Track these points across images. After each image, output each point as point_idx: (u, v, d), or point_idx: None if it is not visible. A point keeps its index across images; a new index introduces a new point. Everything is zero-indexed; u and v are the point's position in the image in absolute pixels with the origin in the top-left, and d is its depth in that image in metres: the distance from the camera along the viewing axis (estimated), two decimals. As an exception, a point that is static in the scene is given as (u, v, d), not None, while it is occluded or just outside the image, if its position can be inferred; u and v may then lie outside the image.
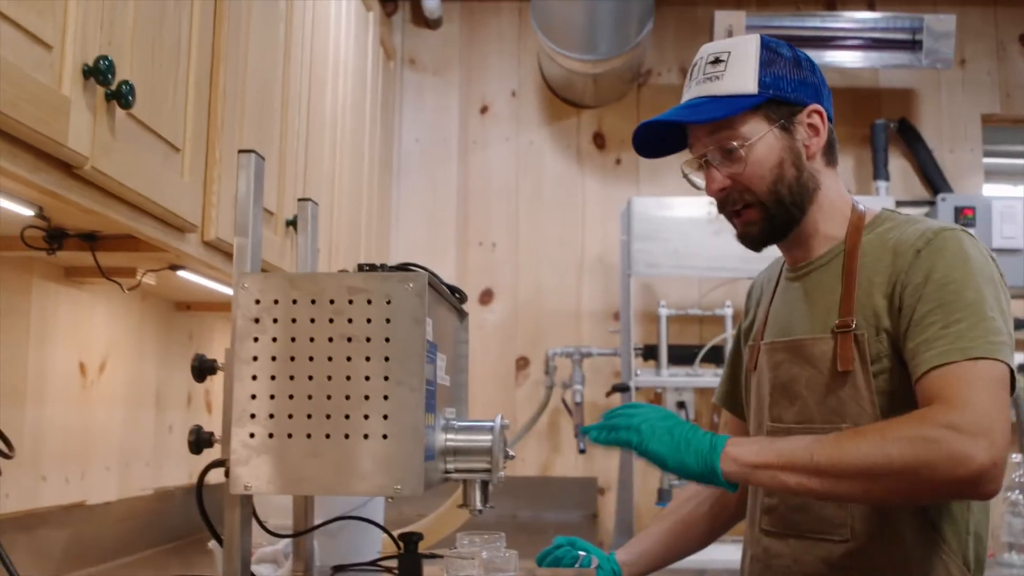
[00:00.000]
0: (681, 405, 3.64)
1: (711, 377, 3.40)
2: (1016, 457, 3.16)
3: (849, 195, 1.62)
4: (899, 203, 3.58)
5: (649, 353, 3.55)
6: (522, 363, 3.82)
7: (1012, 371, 1.35)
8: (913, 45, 3.52)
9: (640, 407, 1.47)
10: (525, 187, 3.92)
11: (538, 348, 3.80)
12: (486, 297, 3.86)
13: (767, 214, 1.54)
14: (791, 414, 1.54)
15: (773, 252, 1.68)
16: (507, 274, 3.87)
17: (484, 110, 3.95)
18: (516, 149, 3.93)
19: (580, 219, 3.89)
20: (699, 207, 3.21)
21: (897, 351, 1.44)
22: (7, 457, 1.47)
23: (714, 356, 3.48)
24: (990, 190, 3.93)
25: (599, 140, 3.93)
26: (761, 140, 1.51)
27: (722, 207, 1.59)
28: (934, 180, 3.74)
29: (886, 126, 3.76)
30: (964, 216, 3.43)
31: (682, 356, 3.49)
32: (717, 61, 1.54)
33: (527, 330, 3.83)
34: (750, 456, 1.35)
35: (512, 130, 3.94)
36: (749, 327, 1.75)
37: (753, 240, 1.58)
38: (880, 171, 3.70)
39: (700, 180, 1.59)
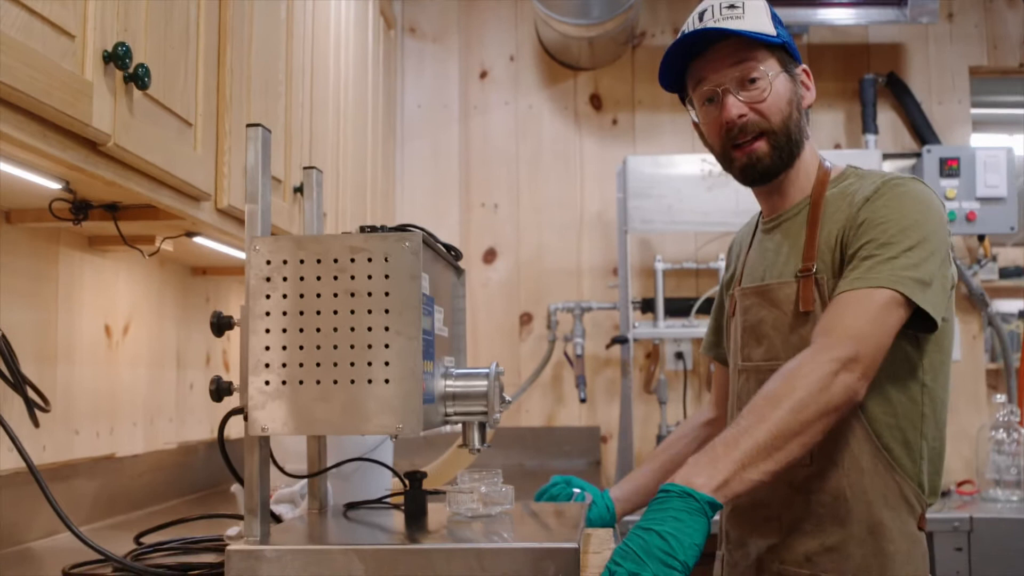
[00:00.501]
0: (679, 356, 3.77)
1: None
2: (1000, 397, 3.29)
3: (818, 153, 1.75)
4: (887, 155, 3.69)
5: (647, 306, 3.68)
6: (525, 319, 3.96)
7: (910, 301, 1.48)
8: (900, 1, 3.59)
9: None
10: (525, 149, 4.03)
11: (540, 304, 3.94)
12: (489, 256, 3.98)
13: (776, 145, 1.65)
14: (759, 353, 1.68)
15: (754, 207, 1.81)
16: (509, 233, 3.99)
17: (483, 75, 4.06)
18: (515, 112, 4.04)
19: (579, 179, 4.00)
20: (692, 164, 3.31)
21: None
22: (44, 411, 1.62)
23: (709, 307, 3.58)
24: (978, 140, 4.02)
25: (596, 101, 4.03)
26: (779, 77, 1.66)
27: (732, 137, 1.66)
28: (922, 132, 3.83)
29: (875, 80, 3.84)
30: (948, 167, 3.53)
31: (678, 308, 3.62)
32: (732, 6, 1.65)
33: (529, 287, 3.97)
34: (714, 480, 1.33)
35: (511, 94, 4.05)
36: (730, 279, 1.89)
37: (757, 171, 1.67)
38: (869, 125, 3.79)
39: (705, 113, 1.70)
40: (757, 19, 1.65)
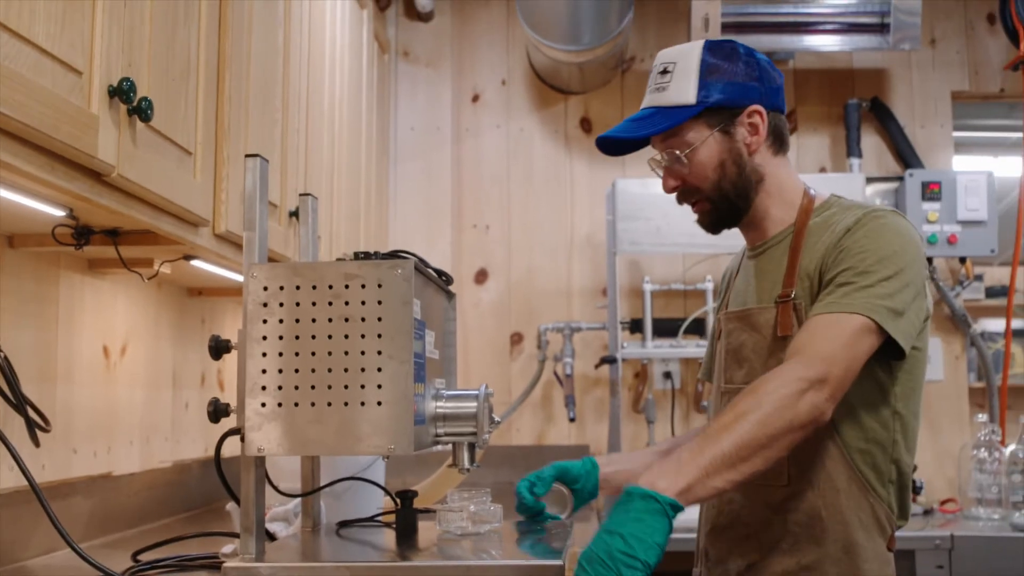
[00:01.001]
0: (667, 375, 3.83)
1: (694, 348, 3.58)
2: (982, 417, 3.35)
3: (800, 180, 1.79)
4: (871, 179, 3.76)
5: (635, 326, 3.74)
6: (516, 339, 4.01)
7: (882, 329, 1.53)
8: (882, 28, 3.67)
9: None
10: (516, 171, 4.09)
11: (531, 324, 3.99)
12: (481, 277, 4.04)
13: (714, 207, 1.74)
14: (740, 376, 1.73)
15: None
16: (500, 255, 4.05)
17: (476, 99, 4.12)
18: (507, 135, 4.10)
19: (569, 201, 4.07)
20: (680, 187, 3.37)
21: None
22: (44, 431, 1.67)
23: (696, 328, 3.66)
24: (961, 162, 4.09)
25: (586, 125, 4.10)
26: (703, 145, 1.69)
27: (679, 200, 1.79)
28: (906, 156, 3.90)
29: (859, 105, 3.91)
30: (930, 191, 3.60)
31: (666, 329, 3.68)
32: (664, 72, 1.71)
33: (520, 307, 4.02)
34: (677, 484, 1.37)
35: (503, 117, 4.11)
36: (720, 305, 1.95)
37: (706, 227, 1.79)
38: (853, 148, 3.86)
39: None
40: (682, 86, 1.68)
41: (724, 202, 1.73)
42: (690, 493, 1.38)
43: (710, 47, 1.69)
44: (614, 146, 1.79)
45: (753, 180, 1.73)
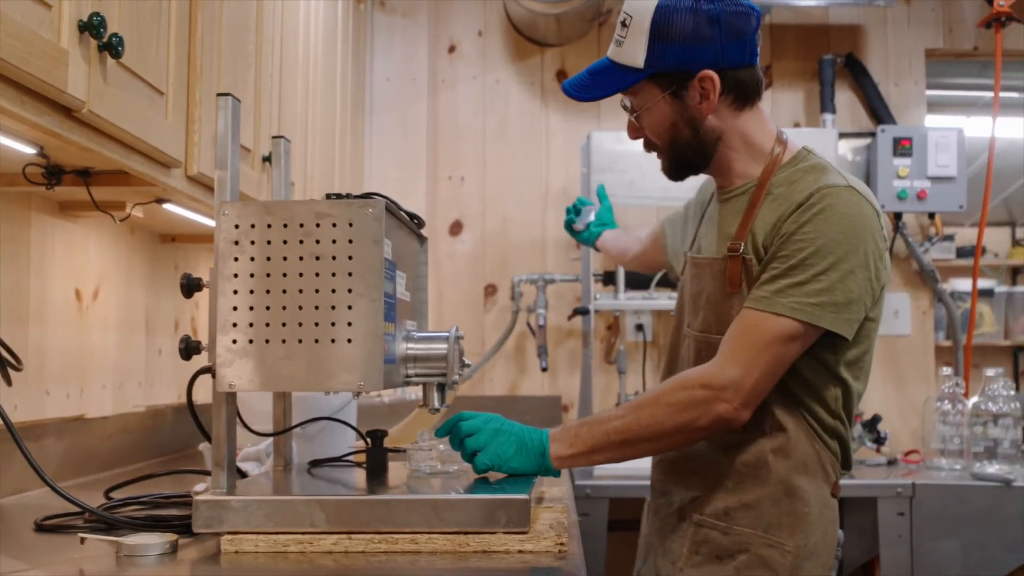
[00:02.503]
0: (639, 327, 3.87)
1: (666, 300, 3.62)
2: (946, 370, 3.41)
3: (771, 131, 1.76)
4: (844, 134, 3.79)
5: (608, 279, 3.77)
6: (490, 290, 4.03)
7: (813, 327, 1.58)
8: (859, -18, 3.68)
9: (474, 422, 1.68)
10: (492, 123, 4.09)
11: (505, 276, 4.02)
12: (456, 228, 4.05)
13: (671, 160, 1.77)
14: (697, 323, 1.77)
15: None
16: (475, 206, 4.06)
17: (452, 50, 4.11)
18: (483, 87, 4.10)
19: (544, 153, 4.07)
20: (654, 140, 3.38)
21: None
22: (16, 369, 1.67)
23: (668, 281, 3.69)
24: (934, 122, 4.13)
25: (562, 77, 4.09)
26: (654, 106, 1.70)
27: (645, 148, 1.81)
28: (879, 112, 3.93)
29: (833, 61, 3.93)
30: (901, 146, 3.64)
31: (639, 281, 3.71)
32: (624, 24, 1.69)
33: (494, 259, 4.04)
34: (565, 450, 1.64)
35: (479, 69, 4.10)
36: (689, 238, 1.94)
37: (667, 175, 1.82)
38: (827, 104, 3.88)
39: None
40: (633, 47, 1.65)
41: (680, 158, 1.76)
42: (571, 461, 1.66)
43: (663, 8, 1.64)
44: (582, 88, 1.79)
45: (710, 140, 1.73)
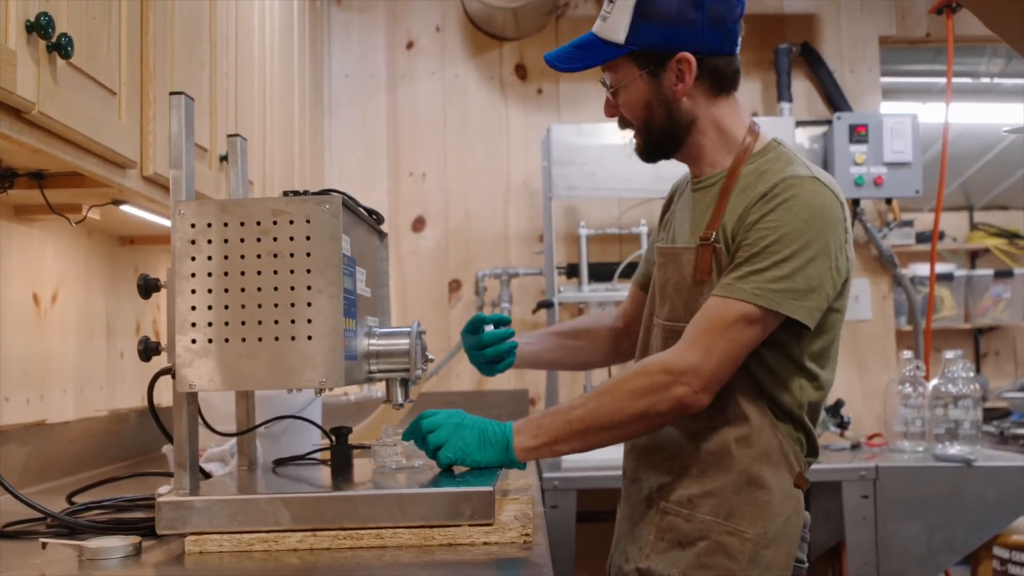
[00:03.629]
0: (604, 319, 3.88)
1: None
2: (906, 354, 3.45)
3: (744, 121, 1.77)
4: (801, 122, 3.83)
5: (571, 271, 3.78)
6: (455, 285, 4.03)
7: (772, 312, 1.59)
8: (812, -28, 3.71)
9: (436, 419, 1.66)
10: (452, 118, 4.09)
11: (469, 271, 4.02)
12: (418, 224, 4.04)
13: (646, 140, 1.78)
14: (664, 312, 1.78)
15: (679, 168, 1.88)
16: (437, 202, 4.05)
17: (410, 45, 4.10)
18: (442, 82, 4.09)
19: (505, 147, 4.08)
20: (614, 133, 3.39)
21: None
22: (-26, 376, 1.65)
23: (631, 272, 3.71)
24: (889, 108, 4.18)
25: (521, 71, 4.10)
26: (631, 84, 1.72)
27: (619, 126, 1.81)
28: (835, 100, 3.97)
29: (789, 50, 3.97)
30: (857, 133, 3.68)
31: (602, 273, 3.73)
32: (612, 1, 1.71)
33: (458, 254, 4.04)
34: (529, 441, 1.65)
35: (437, 64, 4.10)
36: (660, 226, 1.96)
37: (641, 157, 1.83)
38: (784, 93, 3.92)
39: None
40: (617, 22, 1.68)
41: (654, 139, 1.77)
42: (535, 453, 1.65)
43: None
44: (565, 60, 1.80)
45: (683, 123, 1.74)
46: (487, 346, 1.91)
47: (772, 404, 1.69)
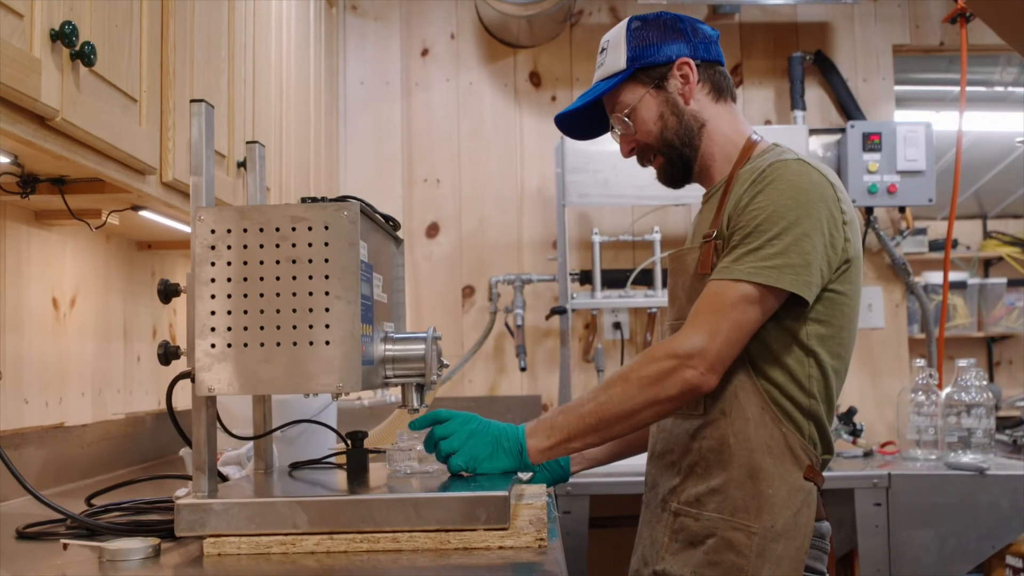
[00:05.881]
0: (617, 325, 3.90)
1: (643, 298, 3.65)
2: (919, 362, 3.45)
3: (745, 128, 1.86)
4: (814, 131, 3.84)
5: (585, 278, 3.79)
6: (468, 291, 4.05)
7: (771, 290, 1.62)
8: (826, -20, 3.72)
9: (449, 425, 1.69)
10: (466, 125, 4.10)
11: (482, 277, 4.03)
12: (432, 231, 4.06)
13: (667, 158, 1.85)
14: (672, 313, 1.86)
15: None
16: (451, 208, 4.07)
17: (425, 52, 4.12)
18: (456, 89, 4.11)
19: (519, 154, 4.09)
20: (627, 140, 3.41)
21: None
22: (-4, 379, 1.68)
23: (644, 279, 3.72)
24: (902, 117, 4.18)
25: (535, 79, 4.12)
26: (641, 102, 1.82)
27: (639, 162, 1.90)
28: (848, 108, 3.97)
29: (803, 58, 3.97)
30: (871, 141, 3.68)
31: (615, 279, 3.74)
32: (603, 51, 1.86)
33: (471, 260, 4.06)
34: (543, 442, 1.67)
35: (452, 71, 4.12)
36: None
37: (667, 181, 1.89)
38: (797, 101, 3.92)
39: None
40: (614, 57, 1.83)
41: (673, 151, 1.83)
42: (550, 452, 1.67)
43: (636, 21, 1.83)
44: (578, 129, 1.96)
45: (694, 126, 1.82)
46: None
47: (774, 395, 1.69)
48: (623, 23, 1.85)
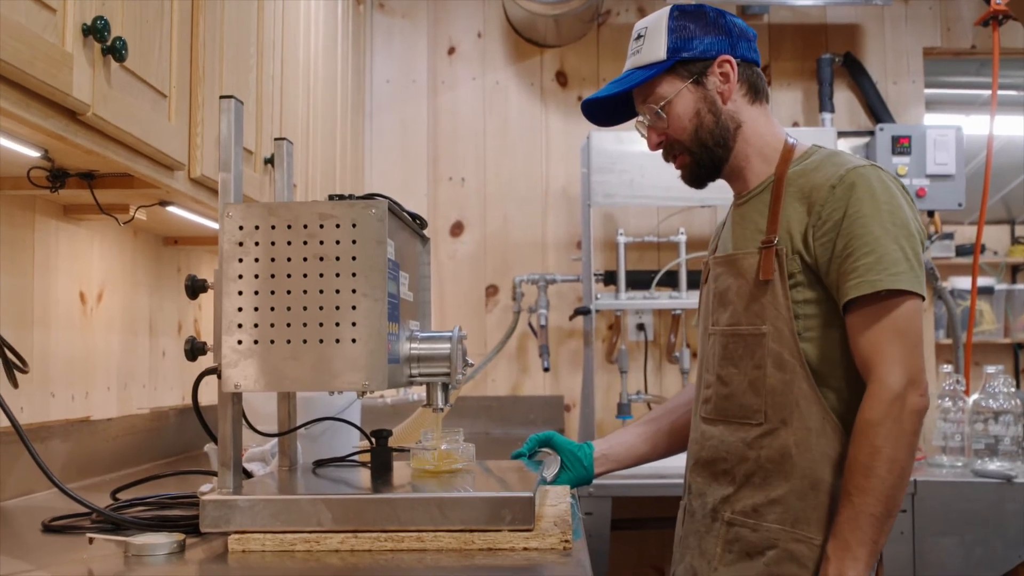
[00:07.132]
0: (640, 327, 3.88)
1: (667, 299, 3.63)
2: (946, 368, 3.41)
3: (780, 130, 1.84)
4: (843, 133, 3.80)
5: (609, 278, 3.78)
6: (492, 291, 4.04)
7: (916, 294, 1.61)
8: (856, -18, 3.69)
9: None
10: (492, 124, 4.10)
11: (506, 276, 4.02)
12: (456, 229, 4.06)
13: (695, 158, 1.81)
14: (724, 318, 1.79)
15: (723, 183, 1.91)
16: (476, 207, 4.07)
17: (451, 51, 4.12)
18: (483, 88, 4.11)
19: (544, 154, 4.08)
20: (654, 140, 3.40)
21: (808, 269, 1.68)
22: (22, 372, 1.68)
23: (669, 280, 3.70)
24: (932, 121, 4.14)
25: (561, 78, 4.10)
26: (678, 96, 1.78)
27: (664, 157, 1.87)
28: (877, 111, 3.94)
29: (832, 60, 3.94)
30: (900, 144, 3.65)
31: (640, 280, 3.72)
32: (639, 37, 1.81)
33: (496, 260, 4.05)
34: (860, 568, 1.59)
35: (478, 70, 4.11)
36: (709, 252, 1.99)
37: (689, 179, 1.86)
38: (826, 103, 3.89)
39: None
40: (653, 45, 1.78)
41: (704, 152, 1.80)
42: (872, 560, 1.60)
43: (677, 10, 1.78)
44: (601, 114, 1.91)
45: (731, 127, 1.80)
46: None
47: (834, 403, 1.68)
48: (663, 11, 1.80)
